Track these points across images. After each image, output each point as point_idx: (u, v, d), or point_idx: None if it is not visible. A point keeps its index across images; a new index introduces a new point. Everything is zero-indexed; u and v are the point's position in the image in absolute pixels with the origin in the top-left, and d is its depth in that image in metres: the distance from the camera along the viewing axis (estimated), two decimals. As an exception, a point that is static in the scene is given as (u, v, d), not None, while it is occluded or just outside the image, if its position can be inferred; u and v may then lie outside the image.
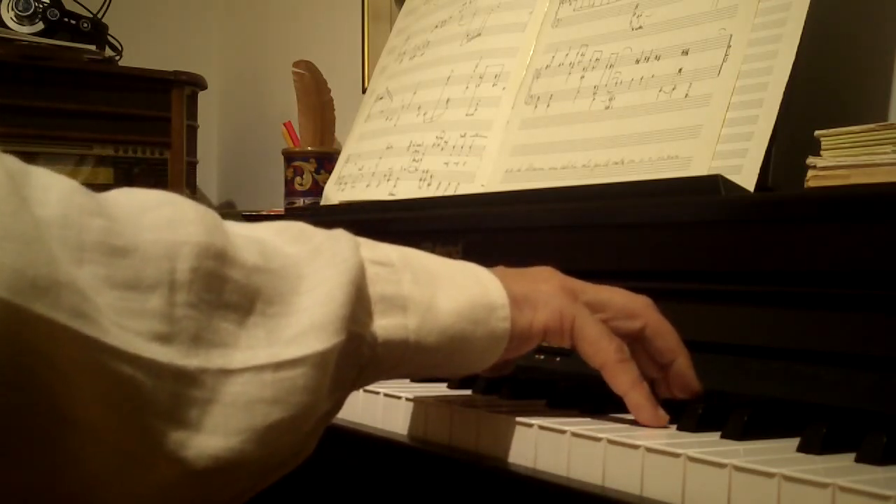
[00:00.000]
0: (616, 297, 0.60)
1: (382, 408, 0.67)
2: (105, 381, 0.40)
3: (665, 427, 0.56)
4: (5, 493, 0.41)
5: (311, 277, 0.48)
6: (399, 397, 0.65)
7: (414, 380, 0.72)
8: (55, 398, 0.39)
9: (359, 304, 0.49)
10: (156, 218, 0.44)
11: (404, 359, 0.52)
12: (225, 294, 0.45)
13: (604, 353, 0.57)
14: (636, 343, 0.59)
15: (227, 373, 0.44)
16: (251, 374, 0.44)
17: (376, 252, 0.53)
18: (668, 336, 0.59)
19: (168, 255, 0.43)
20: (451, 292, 0.54)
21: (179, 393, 0.42)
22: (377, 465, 0.65)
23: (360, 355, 0.50)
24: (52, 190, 0.41)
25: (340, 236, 0.51)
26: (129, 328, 0.41)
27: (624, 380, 0.57)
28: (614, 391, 0.57)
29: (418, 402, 0.64)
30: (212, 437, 0.43)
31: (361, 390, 0.68)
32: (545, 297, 0.57)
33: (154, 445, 0.42)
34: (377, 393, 0.67)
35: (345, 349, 0.48)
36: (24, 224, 0.38)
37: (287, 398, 0.45)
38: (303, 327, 0.46)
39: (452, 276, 0.55)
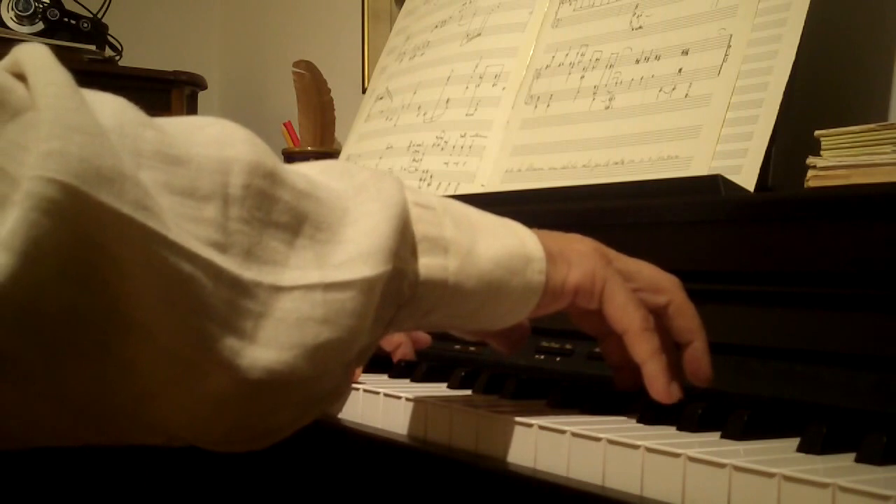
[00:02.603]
0: (645, 269, 0.60)
1: (383, 407, 0.67)
2: (166, 277, 0.40)
3: (673, 401, 0.56)
4: (57, 405, 0.41)
5: (357, 210, 0.49)
6: (399, 397, 0.65)
7: (443, 332, 0.71)
8: (115, 296, 0.39)
9: (403, 240, 0.50)
10: (206, 135, 0.45)
11: (441, 301, 0.52)
12: (274, 213, 0.45)
13: (629, 319, 0.57)
14: (659, 319, 0.59)
15: (278, 289, 0.44)
16: (302, 293, 0.45)
17: (420, 196, 0.53)
18: (691, 316, 0.59)
19: (221, 169, 0.44)
20: (490, 241, 0.54)
21: (235, 301, 0.43)
22: (377, 465, 0.65)
23: (401, 291, 0.50)
24: (106, 102, 0.43)
25: (385, 176, 0.52)
26: (188, 231, 0.41)
27: (645, 347, 0.56)
28: (633, 358, 0.57)
29: (418, 402, 0.64)
30: (265, 349, 0.44)
31: (361, 389, 0.69)
32: (579, 256, 0.58)
33: (209, 351, 0.42)
34: (377, 393, 0.67)
35: (389, 281, 0.48)
36: (88, 119, 0.39)
37: (336, 319, 0.46)
38: (350, 254, 0.47)
39: (492, 227, 0.56)
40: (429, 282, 0.51)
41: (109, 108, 0.43)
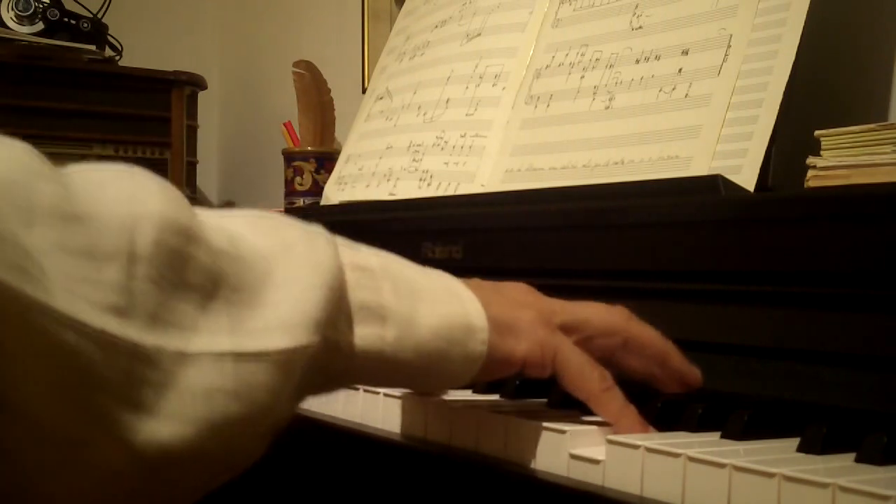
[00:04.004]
0: (593, 316, 0.58)
1: (382, 407, 0.67)
2: (48, 351, 0.36)
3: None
4: None
5: (283, 273, 0.45)
6: (398, 397, 0.65)
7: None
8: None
9: (338, 309, 0.47)
10: (116, 190, 0.41)
11: (377, 371, 0.51)
12: (188, 273, 0.41)
13: (588, 385, 0.56)
14: (620, 355, 0.58)
15: (184, 355, 0.40)
16: (211, 361, 0.41)
17: (357, 256, 0.51)
18: (651, 345, 0.58)
19: (127, 226, 0.40)
20: (431, 307, 0.52)
21: (133, 371, 0.39)
22: (376, 465, 0.65)
23: (333, 363, 0.48)
24: (3, 149, 0.39)
25: (318, 235, 0.49)
26: (81, 296, 0.37)
27: (612, 408, 0.55)
28: (606, 418, 0.56)
29: (418, 402, 0.64)
30: (165, 422, 0.40)
31: (361, 389, 0.68)
32: (526, 326, 0.55)
33: (102, 428, 0.38)
34: (377, 393, 0.67)
35: (316, 355, 0.45)
36: None
37: (247, 393, 0.42)
38: (269, 321, 0.43)
39: (433, 290, 0.53)
40: (365, 352, 0.49)
41: (7, 155, 0.38)
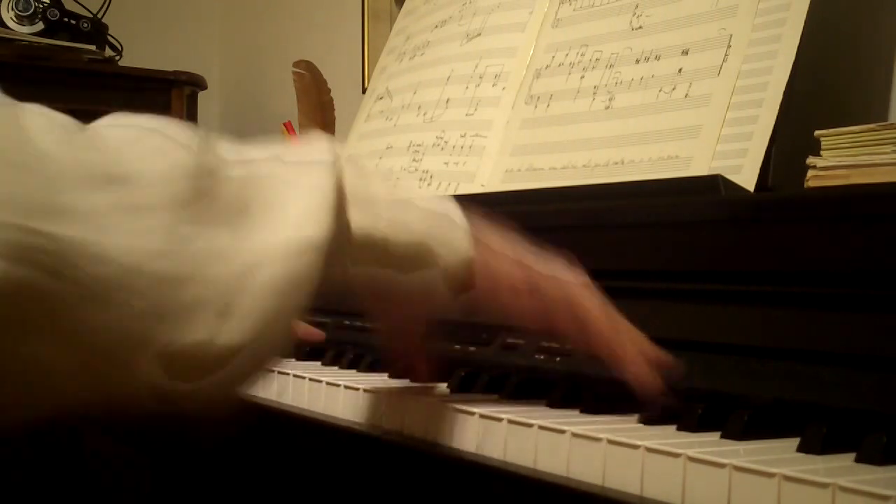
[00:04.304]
0: (555, 276, 0.61)
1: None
2: (107, 292, 0.42)
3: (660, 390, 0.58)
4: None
5: (299, 180, 0.51)
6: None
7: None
8: (55, 312, 0.41)
9: (341, 199, 0.53)
10: (150, 147, 0.46)
11: (368, 255, 0.55)
12: (221, 203, 0.47)
13: (621, 353, 0.59)
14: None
15: (250, 268, 0.46)
16: (274, 255, 0.47)
17: (353, 158, 0.57)
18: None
19: (167, 177, 0.45)
20: (416, 202, 0.59)
21: (196, 299, 0.44)
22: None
23: (339, 248, 0.52)
24: (52, 130, 0.44)
25: (321, 147, 0.54)
26: (137, 248, 0.43)
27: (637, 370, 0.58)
28: (623, 376, 0.58)
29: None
30: (239, 322, 0.46)
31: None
32: (503, 262, 0.61)
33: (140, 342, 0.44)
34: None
35: (332, 240, 0.50)
36: (30, 156, 0.41)
37: (298, 281, 0.48)
38: (299, 218, 0.49)
39: (418, 192, 0.60)
40: (359, 236, 0.54)
41: (54, 135, 0.44)
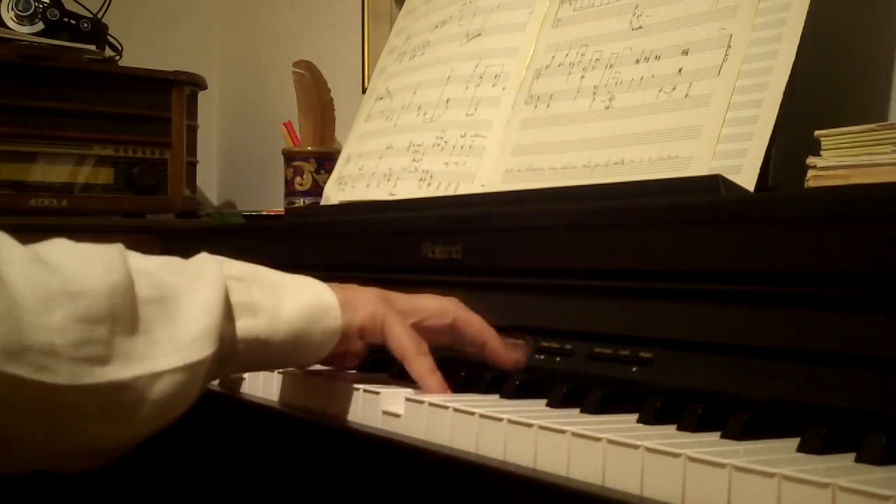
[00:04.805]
0: (426, 301, 0.73)
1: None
2: (53, 411, 0.54)
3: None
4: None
5: (192, 298, 0.61)
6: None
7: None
8: (4, 430, 0.53)
9: (227, 312, 0.63)
10: (95, 267, 0.57)
11: (257, 353, 0.65)
12: (139, 321, 0.58)
13: (404, 347, 0.69)
14: (452, 335, 0.72)
15: (156, 375, 0.57)
16: (170, 375, 0.58)
17: (231, 269, 0.66)
18: (474, 325, 0.72)
19: (109, 294, 0.56)
20: (292, 297, 0.67)
21: (111, 400, 0.56)
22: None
23: (223, 352, 0.62)
24: (14, 263, 0.53)
25: (206, 262, 0.65)
26: (79, 358, 0.54)
27: (419, 368, 0.69)
28: (413, 376, 0.69)
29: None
30: (132, 427, 0.58)
31: (362, 390, 0.70)
32: (362, 301, 0.70)
33: (81, 442, 0.56)
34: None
35: (219, 350, 0.61)
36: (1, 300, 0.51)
37: (188, 391, 0.59)
38: (194, 335, 0.60)
39: (293, 285, 0.68)
40: (244, 340, 0.64)
41: (17, 268, 0.53)
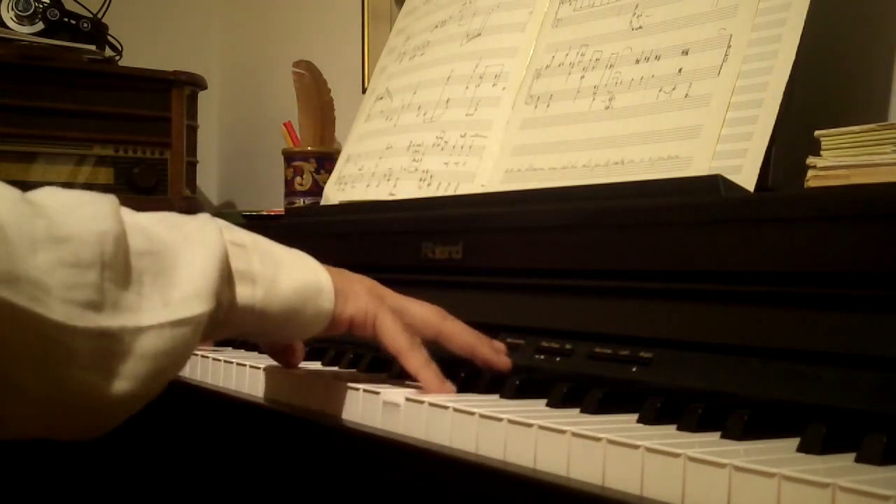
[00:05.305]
0: (414, 307, 0.73)
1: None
2: (45, 346, 0.53)
3: (453, 392, 0.68)
4: None
5: (187, 256, 0.61)
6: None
7: (258, 345, 0.87)
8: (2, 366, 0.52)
9: (225, 277, 0.63)
10: (84, 213, 0.56)
11: (248, 322, 0.66)
12: (130, 271, 0.57)
13: (398, 343, 0.70)
14: (437, 344, 0.72)
15: (140, 329, 0.56)
16: (156, 330, 0.57)
17: (234, 235, 0.66)
18: (461, 338, 0.72)
19: (98, 241, 0.55)
20: (290, 273, 0.67)
21: (103, 347, 0.55)
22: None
23: (218, 315, 0.62)
24: (4, 200, 0.53)
25: (207, 223, 0.64)
26: (73, 301, 0.53)
27: (415, 363, 0.69)
28: (409, 371, 0.69)
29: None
30: (123, 382, 0.56)
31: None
32: (355, 294, 0.71)
33: (74, 393, 0.55)
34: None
35: (213, 312, 0.61)
36: None
37: (178, 350, 0.59)
38: (186, 294, 0.59)
39: (292, 261, 0.69)
40: (241, 308, 0.64)
41: (5, 207, 0.53)
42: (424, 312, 0.73)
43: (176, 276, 0.59)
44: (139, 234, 0.59)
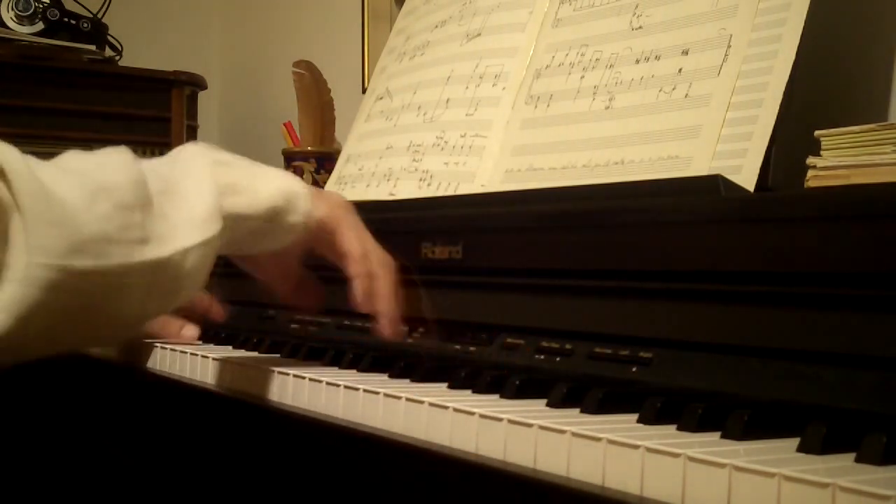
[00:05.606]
0: (372, 239, 0.81)
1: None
2: (112, 291, 0.63)
3: (369, 312, 0.79)
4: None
5: (192, 185, 0.71)
6: (401, 397, 0.66)
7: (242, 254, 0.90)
8: (74, 317, 0.63)
9: (218, 192, 0.72)
10: (111, 165, 0.66)
11: (238, 226, 0.74)
12: (156, 207, 0.67)
13: (354, 247, 0.79)
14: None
15: (187, 250, 0.67)
16: (196, 249, 0.68)
17: (218, 155, 0.76)
18: (385, 288, 0.80)
19: (133, 185, 0.65)
20: (270, 182, 0.77)
21: (158, 275, 0.65)
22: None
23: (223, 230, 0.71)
24: (61, 181, 0.61)
25: (195, 152, 0.74)
26: (128, 240, 0.63)
27: (360, 269, 0.78)
28: (350, 273, 0.78)
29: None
30: (174, 298, 0.70)
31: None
32: (327, 199, 0.80)
33: (134, 315, 0.67)
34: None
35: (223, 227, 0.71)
36: (56, 212, 0.59)
37: (208, 263, 0.70)
38: (202, 216, 0.69)
39: (270, 173, 0.78)
40: (230, 216, 0.72)
41: (66, 184, 0.62)
42: (378, 247, 0.81)
43: (188, 202, 0.69)
44: (152, 175, 0.68)
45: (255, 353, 0.93)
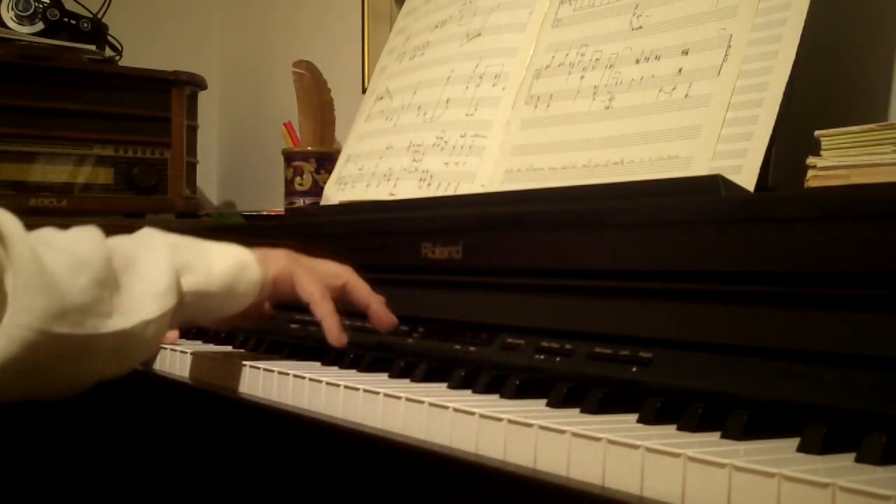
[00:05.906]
0: (323, 265, 0.87)
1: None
2: (79, 356, 0.69)
3: (343, 345, 0.83)
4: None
5: (148, 263, 0.76)
6: (401, 397, 0.66)
7: (212, 325, 1.00)
8: (45, 377, 0.69)
9: (176, 271, 0.77)
10: (86, 242, 0.72)
11: (196, 305, 0.80)
12: (121, 284, 0.73)
13: (311, 291, 0.84)
14: (343, 295, 0.86)
15: (147, 322, 0.73)
16: (155, 320, 0.74)
17: (169, 238, 0.80)
18: (362, 290, 0.86)
19: (104, 262, 0.71)
20: (220, 258, 0.82)
21: (120, 344, 0.71)
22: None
23: (177, 304, 0.77)
24: (52, 253, 0.68)
25: (150, 232, 0.80)
26: (99, 313, 0.70)
27: (323, 310, 0.84)
28: (317, 317, 0.84)
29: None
30: (130, 363, 0.77)
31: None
32: (275, 259, 0.86)
33: (93, 378, 0.73)
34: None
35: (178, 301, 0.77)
36: (45, 278, 0.66)
37: (164, 331, 0.76)
38: (161, 290, 0.75)
39: (220, 249, 0.83)
40: (189, 293, 0.78)
41: (51, 256, 0.67)
42: (333, 267, 0.87)
43: (148, 278, 0.75)
44: (117, 252, 0.74)
45: (255, 353, 0.93)
